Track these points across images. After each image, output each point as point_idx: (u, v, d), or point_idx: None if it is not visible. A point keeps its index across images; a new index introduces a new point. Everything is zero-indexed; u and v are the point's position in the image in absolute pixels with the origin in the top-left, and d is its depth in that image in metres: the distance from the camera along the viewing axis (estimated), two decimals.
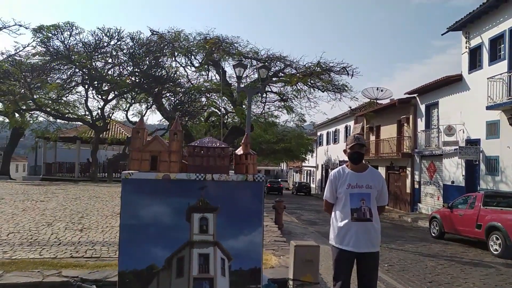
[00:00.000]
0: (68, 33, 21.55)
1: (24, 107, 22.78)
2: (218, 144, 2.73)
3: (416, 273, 6.86)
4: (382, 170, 25.72)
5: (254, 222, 2.68)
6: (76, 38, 21.91)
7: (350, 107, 29.93)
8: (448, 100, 18.66)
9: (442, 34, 18.94)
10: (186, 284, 2.58)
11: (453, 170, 17.98)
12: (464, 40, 17.57)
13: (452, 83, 18.15)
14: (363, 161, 3.61)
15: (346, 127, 33.74)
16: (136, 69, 22.40)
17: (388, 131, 25.03)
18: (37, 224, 7.23)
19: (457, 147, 16.73)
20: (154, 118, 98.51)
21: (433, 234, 12.11)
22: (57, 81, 22.16)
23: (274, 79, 22.90)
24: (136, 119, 24.61)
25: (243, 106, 22.19)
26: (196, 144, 2.72)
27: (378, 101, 29.34)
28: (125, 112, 24.50)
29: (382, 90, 29.48)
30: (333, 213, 3.52)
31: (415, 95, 21.90)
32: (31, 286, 3.59)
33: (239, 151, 2.77)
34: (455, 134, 17.51)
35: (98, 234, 6.57)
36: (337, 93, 22.57)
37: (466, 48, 17.44)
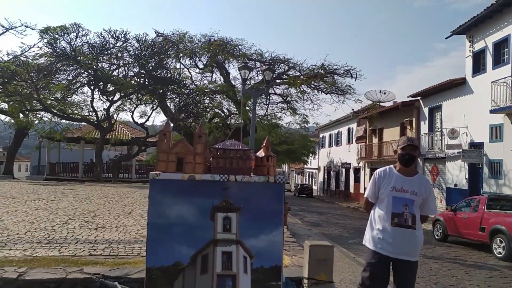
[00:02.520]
0: (75, 34, 21.74)
1: (29, 107, 22.93)
2: (240, 146, 2.86)
3: (420, 275, 6.95)
4: None
5: (275, 222, 2.80)
6: (82, 40, 22.11)
7: (353, 109, 30.04)
8: (452, 103, 18.77)
9: (446, 38, 19.06)
10: (210, 280, 2.70)
11: (456, 173, 18.07)
12: (468, 43, 17.68)
13: (456, 86, 18.25)
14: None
15: (348, 130, 33.80)
16: (142, 71, 22.56)
17: (391, 134, 25.09)
18: (52, 223, 7.38)
19: (461, 150, 16.82)
20: (158, 118, 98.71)
21: (436, 237, 12.20)
22: (63, 81, 22.32)
23: (278, 81, 23.04)
24: (142, 120, 24.77)
25: (247, 108, 22.36)
26: (219, 146, 2.85)
27: (381, 103, 29.44)
28: (131, 113, 24.66)
29: (385, 93, 29.56)
30: (372, 212, 3.37)
31: (419, 98, 21.99)
32: (55, 282, 3.73)
33: (260, 153, 2.90)
34: (459, 137, 17.61)
35: (113, 233, 6.72)
36: (340, 96, 22.71)
37: (470, 51, 17.55)
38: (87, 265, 4.21)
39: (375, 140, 27.70)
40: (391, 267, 3.24)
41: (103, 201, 11.25)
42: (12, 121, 24.81)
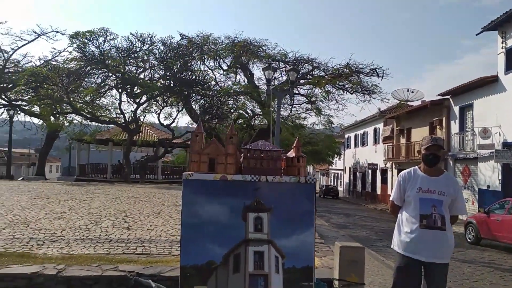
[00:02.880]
0: (103, 38, 22.34)
1: (60, 110, 23.72)
2: (271, 147, 2.88)
3: (453, 279, 6.76)
4: None
5: (306, 222, 2.80)
6: (110, 44, 22.69)
7: (379, 108, 29.54)
8: (484, 101, 18.17)
9: (476, 34, 18.50)
10: (242, 279, 2.73)
11: (489, 174, 17.46)
12: (500, 40, 17.08)
13: (488, 84, 17.67)
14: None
15: (375, 130, 33.28)
16: (167, 73, 22.94)
17: (420, 134, 24.53)
18: (85, 222, 7.62)
19: (493, 150, 16.25)
20: (183, 120, 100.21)
21: (468, 240, 11.84)
22: (91, 85, 22.97)
23: (302, 81, 22.93)
24: (167, 121, 25.18)
25: (271, 109, 22.34)
26: (250, 147, 2.88)
27: (408, 102, 28.82)
28: (157, 115, 25.12)
29: (412, 92, 28.91)
30: (399, 215, 3.31)
31: (448, 96, 21.43)
32: (92, 279, 3.86)
33: (291, 153, 2.91)
34: (491, 137, 17.02)
35: (144, 232, 6.86)
36: (366, 95, 22.36)
37: (502, 48, 16.95)
38: (122, 263, 4.34)
39: (402, 140, 27.18)
40: (422, 270, 3.17)
41: (132, 201, 11.52)
42: (44, 123, 25.74)
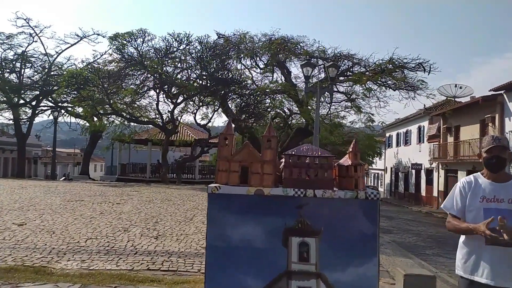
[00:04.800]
0: (141, 39, 22.54)
1: (102, 112, 24.21)
2: (320, 152, 2.25)
3: None
4: (462, 175, 23.73)
5: (367, 251, 2.16)
6: (148, 44, 22.88)
7: (424, 105, 27.98)
8: None
9: None
10: None
11: None
12: None
13: None
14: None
15: (419, 128, 31.70)
16: (204, 73, 22.81)
17: (469, 132, 22.94)
18: (113, 229, 7.33)
19: None
20: (219, 120, 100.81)
21: None
22: (131, 86, 23.26)
23: (341, 78, 22.05)
24: (204, 121, 25.07)
25: (309, 107, 21.65)
26: (293, 152, 2.26)
27: (456, 99, 27.19)
28: (193, 115, 25.09)
29: (461, 87, 27.26)
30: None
31: (502, 91, 19.78)
32: None
33: (346, 161, 2.27)
34: None
35: (173, 243, 6.45)
36: (410, 91, 21.19)
37: None
38: (144, 283, 3.90)
39: (450, 139, 25.62)
40: None
41: (165, 204, 11.23)
42: (87, 124, 26.45)
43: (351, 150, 2.24)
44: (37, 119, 32.43)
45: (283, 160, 2.42)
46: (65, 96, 26.16)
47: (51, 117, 28.20)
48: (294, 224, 2.18)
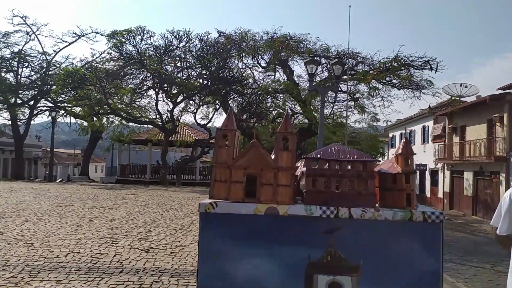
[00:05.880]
0: (140, 37, 21.96)
1: (99, 111, 23.62)
2: (355, 155, 1.61)
3: None
4: (469, 176, 23.17)
5: None
6: (147, 42, 22.32)
7: (429, 104, 27.42)
8: None
9: None
10: None
11: None
12: None
13: None
14: None
15: (423, 128, 31.18)
16: (204, 71, 22.26)
17: (476, 132, 22.37)
18: (100, 240, 6.65)
19: None
20: (220, 120, 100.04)
21: None
22: (130, 85, 22.69)
23: (344, 77, 21.50)
24: (204, 122, 24.47)
25: (311, 107, 21.06)
26: (318, 155, 1.62)
27: (461, 98, 26.66)
28: (193, 115, 24.51)
29: (466, 87, 26.72)
30: None
31: (510, 90, 19.20)
32: None
33: (392, 167, 1.62)
34: None
35: (166, 257, 5.77)
36: (415, 91, 20.67)
37: None
38: None
39: (456, 139, 25.11)
40: None
41: (162, 209, 10.55)
42: (85, 124, 25.85)
43: (400, 152, 1.59)
44: (37, 120, 31.95)
45: (300, 164, 1.79)
46: (63, 95, 25.61)
47: (49, 117, 27.62)
48: (322, 257, 1.54)
